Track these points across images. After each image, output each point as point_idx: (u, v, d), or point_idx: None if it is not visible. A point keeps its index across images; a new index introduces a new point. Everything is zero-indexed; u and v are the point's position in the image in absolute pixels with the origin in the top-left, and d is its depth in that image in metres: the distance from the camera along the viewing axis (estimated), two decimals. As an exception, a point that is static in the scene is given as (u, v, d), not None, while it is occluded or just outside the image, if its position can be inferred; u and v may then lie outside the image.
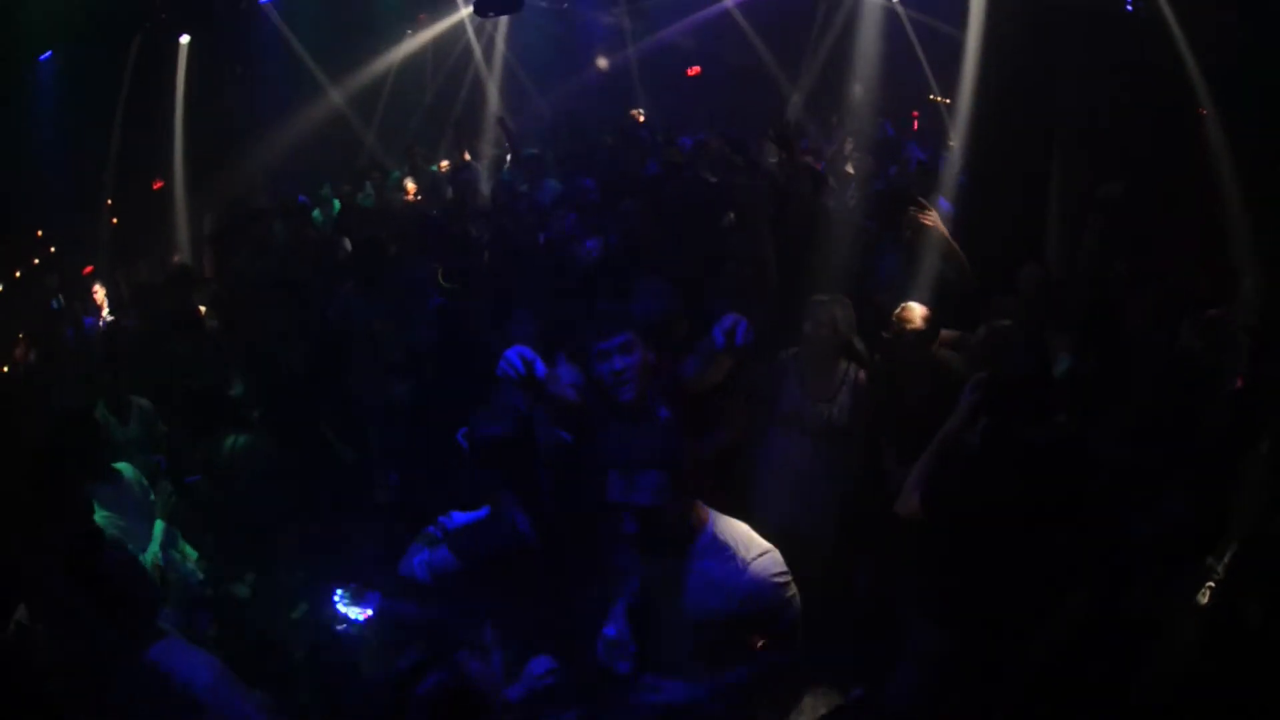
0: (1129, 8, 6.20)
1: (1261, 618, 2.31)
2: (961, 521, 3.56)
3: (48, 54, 9.75)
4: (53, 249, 10.10)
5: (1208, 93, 6.25)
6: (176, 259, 8.96)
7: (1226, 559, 2.74)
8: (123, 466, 4.80)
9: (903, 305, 4.61)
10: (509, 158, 10.59)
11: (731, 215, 6.31)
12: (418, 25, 13.63)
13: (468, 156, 11.00)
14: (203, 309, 6.94)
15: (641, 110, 13.39)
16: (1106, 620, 3.16)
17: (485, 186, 9.54)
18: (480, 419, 3.65)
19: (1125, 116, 6.14)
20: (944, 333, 4.67)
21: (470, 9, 12.66)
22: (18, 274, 9.36)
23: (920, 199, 5.56)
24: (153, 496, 4.81)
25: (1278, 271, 5.11)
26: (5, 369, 6.84)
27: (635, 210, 5.88)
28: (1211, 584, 2.77)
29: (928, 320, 4.54)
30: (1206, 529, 3.08)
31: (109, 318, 7.77)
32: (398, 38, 13.42)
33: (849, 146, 9.81)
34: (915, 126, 12.55)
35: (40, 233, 10.19)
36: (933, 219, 5.34)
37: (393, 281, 6.27)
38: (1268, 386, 3.78)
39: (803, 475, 4.56)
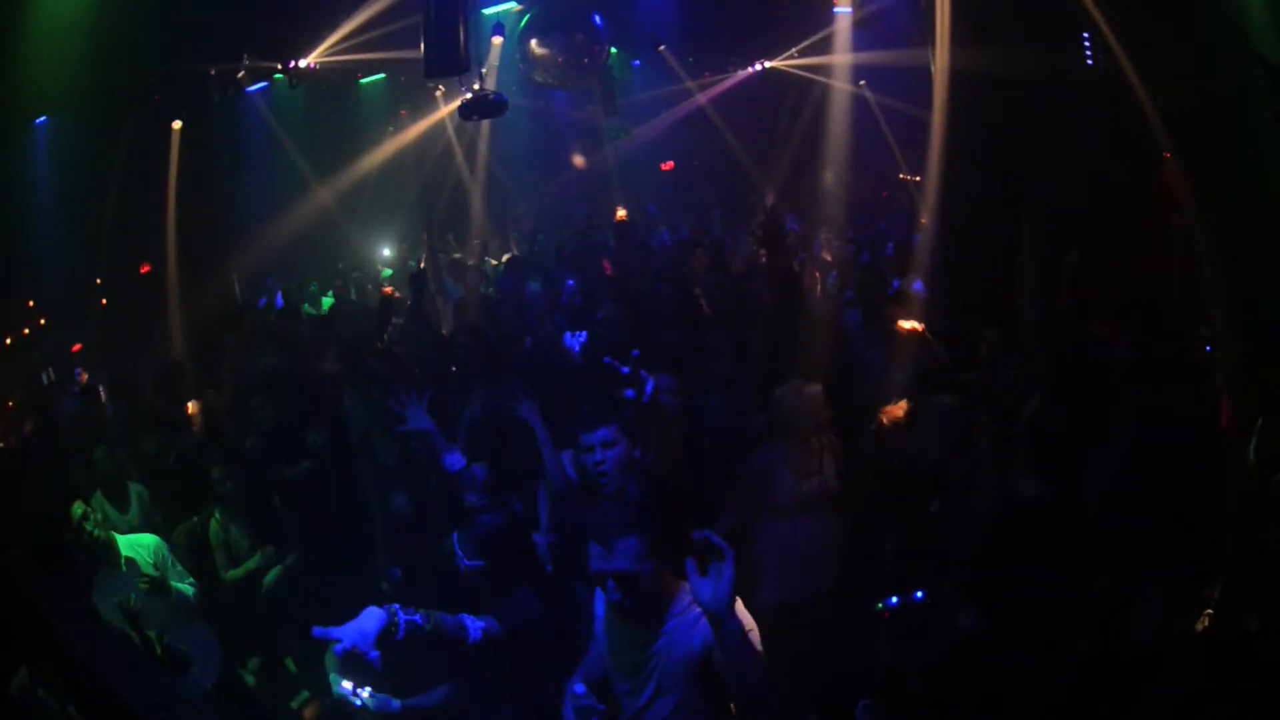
0: (1089, 61, 6.28)
1: (1260, 626, 2.38)
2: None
3: (42, 119, 9.64)
4: (42, 321, 9.96)
5: (1170, 138, 6.28)
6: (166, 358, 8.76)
7: (1221, 582, 2.81)
8: (140, 539, 4.77)
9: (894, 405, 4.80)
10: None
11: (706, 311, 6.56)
12: (399, 121, 13.92)
13: (423, 265, 10.96)
14: (191, 406, 6.89)
15: (623, 209, 13.80)
16: (1113, 655, 3.20)
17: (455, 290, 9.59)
18: (476, 515, 3.86)
19: (1090, 171, 6.19)
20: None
21: (448, 108, 13.07)
22: (9, 341, 9.23)
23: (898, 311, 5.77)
24: (171, 564, 4.76)
25: (1247, 309, 5.22)
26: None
27: (614, 316, 6.10)
28: (1210, 609, 2.85)
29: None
30: (1195, 566, 3.16)
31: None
32: (381, 135, 13.68)
33: (825, 234, 10.17)
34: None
35: (31, 303, 10.05)
36: (911, 325, 5.52)
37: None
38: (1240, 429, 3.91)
39: (809, 550, 4.73)
